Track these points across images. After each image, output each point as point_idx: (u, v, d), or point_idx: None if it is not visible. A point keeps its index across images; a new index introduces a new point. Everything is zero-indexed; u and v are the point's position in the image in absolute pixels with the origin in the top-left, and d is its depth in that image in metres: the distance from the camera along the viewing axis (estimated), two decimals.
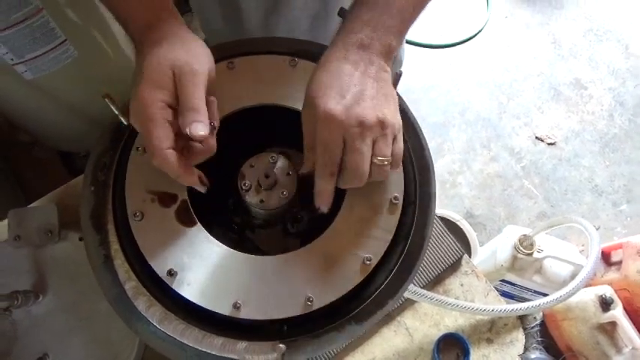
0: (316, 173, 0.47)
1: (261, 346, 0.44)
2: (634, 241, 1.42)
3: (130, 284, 0.46)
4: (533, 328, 1.54)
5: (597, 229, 1.79)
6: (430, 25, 2.20)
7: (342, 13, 0.56)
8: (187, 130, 0.43)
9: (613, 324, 1.29)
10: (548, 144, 1.96)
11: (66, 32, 0.90)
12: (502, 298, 0.84)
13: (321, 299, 0.46)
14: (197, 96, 0.44)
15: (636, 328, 1.32)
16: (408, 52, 2.08)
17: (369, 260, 0.48)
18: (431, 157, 0.55)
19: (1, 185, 1.29)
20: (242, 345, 0.44)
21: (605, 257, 1.55)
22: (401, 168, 0.52)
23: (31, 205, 0.83)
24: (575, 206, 1.84)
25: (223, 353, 0.44)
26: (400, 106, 0.52)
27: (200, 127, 0.43)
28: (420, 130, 0.56)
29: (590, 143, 1.96)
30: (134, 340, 0.72)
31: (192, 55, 0.46)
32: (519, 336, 0.80)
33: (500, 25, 2.23)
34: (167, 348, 0.45)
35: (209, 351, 0.44)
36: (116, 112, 0.47)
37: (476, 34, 2.19)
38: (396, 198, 0.51)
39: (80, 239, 0.77)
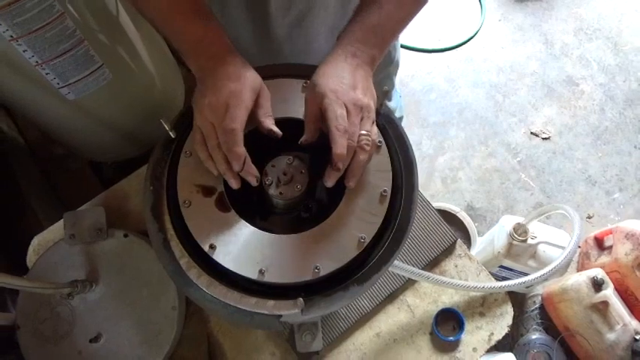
0: (333, 136, 0.55)
1: (285, 304, 0.54)
2: (623, 226, 1.44)
3: (184, 260, 0.57)
4: (533, 311, 1.54)
5: (591, 218, 1.81)
6: (428, 31, 2.21)
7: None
8: (266, 123, 0.59)
9: (605, 303, 1.32)
10: (543, 139, 1.97)
11: (102, 57, 0.97)
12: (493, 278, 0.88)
13: (326, 268, 0.56)
14: (270, 107, 0.60)
15: (627, 306, 1.35)
16: (408, 58, 2.19)
17: (364, 239, 0.57)
18: (414, 155, 0.64)
19: (42, 193, 1.36)
20: (271, 303, 0.55)
21: (599, 243, 1.56)
22: (389, 166, 0.62)
23: (81, 208, 0.90)
24: (570, 196, 1.85)
25: (257, 309, 0.54)
26: (388, 116, 0.64)
27: (274, 126, 0.59)
28: (405, 133, 0.66)
29: (582, 136, 1.97)
30: (173, 320, 0.80)
31: (260, 79, 0.60)
32: (508, 309, 0.85)
33: (494, 28, 2.24)
34: (214, 307, 0.55)
35: (246, 308, 0.54)
36: (167, 129, 0.58)
37: (471, 38, 2.21)
38: (385, 191, 0.60)
39: (125, 236, 0.84)
